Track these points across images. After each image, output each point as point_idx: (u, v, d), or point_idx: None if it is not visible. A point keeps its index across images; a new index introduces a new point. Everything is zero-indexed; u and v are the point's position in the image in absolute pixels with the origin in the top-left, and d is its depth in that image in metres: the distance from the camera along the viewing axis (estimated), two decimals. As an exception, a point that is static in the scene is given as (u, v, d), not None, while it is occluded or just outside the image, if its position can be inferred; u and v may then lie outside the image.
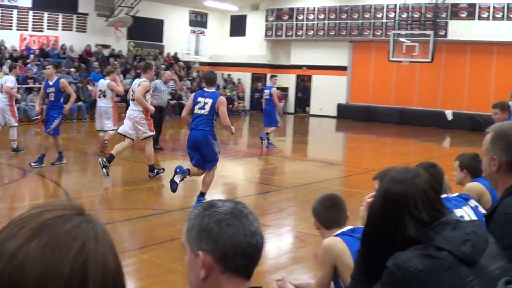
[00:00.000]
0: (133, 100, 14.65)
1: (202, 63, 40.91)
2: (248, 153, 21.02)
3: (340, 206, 4.93)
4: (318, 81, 39.43)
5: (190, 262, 2.28)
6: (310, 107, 40.55)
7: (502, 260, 2.93)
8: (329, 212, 4.88)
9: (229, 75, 41.45)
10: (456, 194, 5.53)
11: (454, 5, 34.29)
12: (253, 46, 41.71)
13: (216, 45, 43.09)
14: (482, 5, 33.56)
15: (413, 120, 35.09)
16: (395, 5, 34.28)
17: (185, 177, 11.51)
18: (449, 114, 31.06)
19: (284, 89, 40.49)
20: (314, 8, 39.07)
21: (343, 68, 38.49)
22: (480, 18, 33.75)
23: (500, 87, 33.12)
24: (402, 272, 2.78)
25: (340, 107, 38.25)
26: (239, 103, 39.29)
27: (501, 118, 10.15)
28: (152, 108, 14.84)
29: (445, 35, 34.29)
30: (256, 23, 41.66)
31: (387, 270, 2.85)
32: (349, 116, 37.20)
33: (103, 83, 17.81)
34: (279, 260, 8.82)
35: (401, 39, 32.29)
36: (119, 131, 15.13)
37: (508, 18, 32.92)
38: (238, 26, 42.57)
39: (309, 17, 39.31)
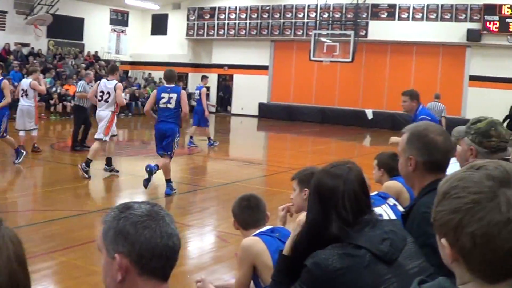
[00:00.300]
0: (107, 101, 14.80)
1: (123, 62, 40.51)
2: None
3: (258, 207, 4.92)
4: (239, 81, 39.52)
5: (106, 265, 2.22)
6: (232, 107, 40.61)
7: (420, 259, 2.97)
8: (246, 213, 4.88)
9: (149, 74, 41.07)
10: (375, 192, 5.55)
11: (375, 6, 34.95)
12: (174, 45, 41.54)
13: (137, 44, 42.75)
14: (402, 6, 34.36)
15: (334, 119, 35.51)
16: (316, 5, 34.48)
17: (155, 173, 12.58)
18: (369, 113, 31.41)
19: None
20: (236, 8, 39.17)
21: (265, 68, 38.70)
22: (400, 18, 34.59)
23: (419, 86, 33.31)
24: (321, 270, 2.79)
25: (261, 106, 38.39)
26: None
27: (409, 106, 10.50)
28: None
29: (366, 35, 34.89)
30: (177, 22, 41.49)
31: (306, 268, 2.87)
32: (270, 115, 37.34)
33: (25, 82, 17.42)
34: (201, 260, 8.78)
35: (322, 39, 32.47)
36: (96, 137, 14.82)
37: (428, 19, 33.83)
38: (159, 25, 42.34)
39: (231, 16, 39.37)
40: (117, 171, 15.21)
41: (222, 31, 39.76)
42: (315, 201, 3.09)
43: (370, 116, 31.61)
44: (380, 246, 2.88)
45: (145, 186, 12.63)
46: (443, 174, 3.46)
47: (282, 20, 37.70)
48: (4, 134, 15.49)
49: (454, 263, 1.71)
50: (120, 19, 41.85)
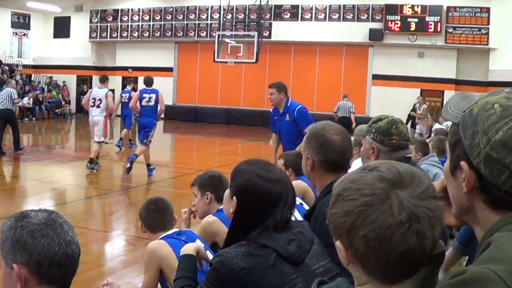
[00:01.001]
0: (98, 107, 17.28)
1: (25, 66, 39.68)
2: (75, 157, 20.54)
3: (165, 210, 4.91)
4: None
5: (5, 276, 2.18)
6: (137, 109, 40.19)
7: (326, 259, 3.01)
8: (154, 217, 4.86)
9: (50, 77, 40.30)
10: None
11: (278, 7, 35.15)
12: (77, 48, 40.79)
13: (40, 47, 41.76)
14: (305, 7, 34.73)
15: (240, 120, 35.63)
16: (220, 6, 34.20)
17: (134, 161, 15.68)
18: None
19: (111, 91, 39.93)
20: (139, 9, 38.82)
21: (169, 69, 38.43)
22: (303, 19, 34.92)
23: (324, 86, 34.51)
24: (226, 269, 2.80)
25: (166, 108, 37.30)
26: (63, 106, 38.32)
27: (277, 98, 10.48)
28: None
29: (269, 36, 35.01)
30: (80, 25, 40.74)
31: (211, 267, 2.89)
32: (176, 117, 37.08)
33: None
34: (110, 264, 8.70)
35: (226, 40, 32.27)
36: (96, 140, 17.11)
37: (330, 19, 34.31)
38: (62, 28, 41.46)
39: (134, 18, 38.98)
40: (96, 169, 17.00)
41: (126, 33, 39.29)
42: (250, 207, 3.01)
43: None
44: (287, 247, 2.89)
45: (128, 173, 15.69)
46: (343, 173, 3.35)
47: (185, 22, 37.53)
48: None
49: (350, 265, 1.70)
50: (21, 22, 40.81)
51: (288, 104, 10.54)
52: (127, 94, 22.61)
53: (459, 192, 1.74)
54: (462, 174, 1.70)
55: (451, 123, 1.82)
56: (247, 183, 3.05)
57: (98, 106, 17.19)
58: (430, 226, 1.61)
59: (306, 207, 5.49)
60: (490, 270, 1.50)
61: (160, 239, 4.66)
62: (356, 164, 5.78)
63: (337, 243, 1.70)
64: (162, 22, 38.22)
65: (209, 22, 36.92)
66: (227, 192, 3.21)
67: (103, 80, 17.92)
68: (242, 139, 28.73)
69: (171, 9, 37.92)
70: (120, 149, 21.95)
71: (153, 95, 16.21)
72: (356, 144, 6.16)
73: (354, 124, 21.39)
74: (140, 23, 38.90)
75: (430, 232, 1.62)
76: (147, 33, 38.73)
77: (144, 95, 16.21)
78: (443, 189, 1.91)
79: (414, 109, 25.22)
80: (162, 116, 19.32)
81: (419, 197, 1.63)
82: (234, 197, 3.08)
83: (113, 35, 39.80)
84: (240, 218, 3.05)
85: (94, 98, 17.29)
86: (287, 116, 10.51)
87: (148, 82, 16.54)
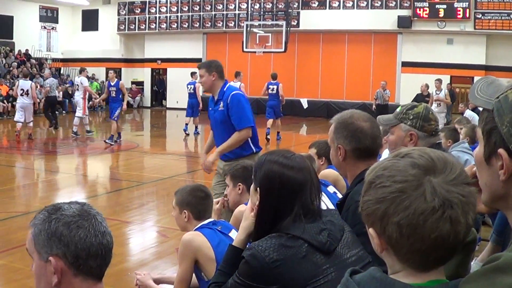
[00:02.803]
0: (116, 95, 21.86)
1: (54, 60, 40.00)
2: (106, 149, 20.66)
3: (210, 197, 4.89)
4: (173, 74, 39.17)
5: (39, 269, 2.18)
6: (167, 101, 40.36)
7: (357, 248, 2.99)
8: (203, 203, 4.80)
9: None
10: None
11: None
12: (106, 41, 41.06)
13: (69, 40, 42.07)
14: None
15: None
16: None
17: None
18: (304, 103, 31.54)
19: (140, 83, 40.16)
20: (167, 1, 38.91)
21: (198, 61, 36.97)
22: (331, 7, 34.80)
23: (353, 74, 34.49)
24: (258, 262, 2.79)
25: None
26: (95, 98, 38.38)
27: (207, 81, 7.65)
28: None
29: (298, 25, 34.97)
30: (108, 17, 40.97)
31: (243, 260, 2.87)
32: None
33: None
34: (142, 256, 8.72)
35: (254, 30, 32.28)
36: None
37: (358, 7, 34.14)
38: (90, 21, 41.72)
39: (162, 10, 39.09)
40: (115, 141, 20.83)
41: (154, 25, 39.39)
42: (273, 196, 2.99)
43: (305, 105, 31.71)
44: (318, 237, 2.87)
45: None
46: (374, 161, 3.44)
47: (213, 12, 37.56)
48: None
49: (384, 252, 1.71)
50: (50, 16, 41.13)
51: (225, 89, 7.76)
52: (192, 86, 24.94)
53: (494, 179, 1.69)
54: (498, 162, 1.65)
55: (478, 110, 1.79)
56: (268, 173, 3.03)
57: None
58: (463, 212, 1.62)
59: (339, 195, 5.43)
60: None
61: (196, 229, 4.63)
62: (385, 155, 5.70)
63: (370, 231, 1.71)
64: (190, 13, 38.30)
65: (237, 12, 36.91)
66: (252, 186, 3.18)
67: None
68: (272, 130, 28.47)
69: (199, 0, 38.01)
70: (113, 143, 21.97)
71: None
72: (384, 134, 6.09)
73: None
74: (168, 15, 38.98)
75: (464, 218, 1.62)
76: (175, 24, 38.79)
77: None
78: (473, 175, 1.89)
79: (418, 98, 24.16)
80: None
81: (452, 183, 1.63)
82: (258, 189, 3.05)
83: (141, 27, 39.94)
84: (266, 209, 3.01)
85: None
86: (221, 104, 7.73)
87: (273, 76, 23.47)
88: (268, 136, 22.36)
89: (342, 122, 3.65)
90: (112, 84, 21.66)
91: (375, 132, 3.65)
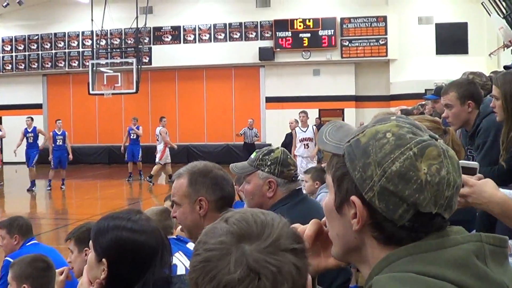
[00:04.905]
0: (157, 140, 23.79)
1: None
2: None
3: (53, 268, 4.71)
4: (10, 123, 35.14)
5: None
6: (3, 154, 36.42)
7: None
8: (44, 276, 4.71)
9: None
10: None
11: (157, 29, 34.44)
12: None
13: None
14: (187, 28, 34.22)
15: (124, 159, 32.66)
16: (92, 31, 31.90)
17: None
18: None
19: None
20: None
21: (38, 106, 35.84)
22: (185, 41, 34.36)
23: (213, 114, 34.20)
24: None
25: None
26: None
27: None
28: None
29: (150, 62, 34.09)
30: None
31: None
32: (48, 160, 33.73)
33: None
34: None
35: (102, 69, 30.28)
36: None
37: (216, 40, 33.96)
38: None
39: (-6, 50, 36.79)
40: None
41: (-16, 67, 36.86)
42: (129, 265, 2.67)
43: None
44: None
45: None
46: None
47: (53, 51, 35.58)
48: None
49: None
50: None
51: None
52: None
53: (346, 230, 1.66)
54: (351, 210, 1.63)
55: None
56: (117, 241, 2.71)
57: (157, 140, 23.91)
58: (274, 283, 1.49)
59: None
60: None
61: None
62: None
63: None
64: (27, 53, 36.10)
65: (80, 50, 35.34)
66: (90, 257, 2.79)
67: (160, 120, 24.98)
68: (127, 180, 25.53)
69: (36, 37, 35.90)
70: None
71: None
72: (237, 182, 6.26)
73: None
74: (1, 55, 36.35)
75: None
76: (10, 65, 36.22)
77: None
78: (316, 232, 1.85)
79: (288, 138, 21.89)
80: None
81: (265, 251, 1.52)
82: (104, 259, 2.69)
83: (-30, 70, 37.29)
84: (116, 282, 2.71)
85: (157, 135, 24.06)
86: None
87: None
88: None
89: (199, 172, 3.47)
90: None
91: (231, 178, 3.59)
